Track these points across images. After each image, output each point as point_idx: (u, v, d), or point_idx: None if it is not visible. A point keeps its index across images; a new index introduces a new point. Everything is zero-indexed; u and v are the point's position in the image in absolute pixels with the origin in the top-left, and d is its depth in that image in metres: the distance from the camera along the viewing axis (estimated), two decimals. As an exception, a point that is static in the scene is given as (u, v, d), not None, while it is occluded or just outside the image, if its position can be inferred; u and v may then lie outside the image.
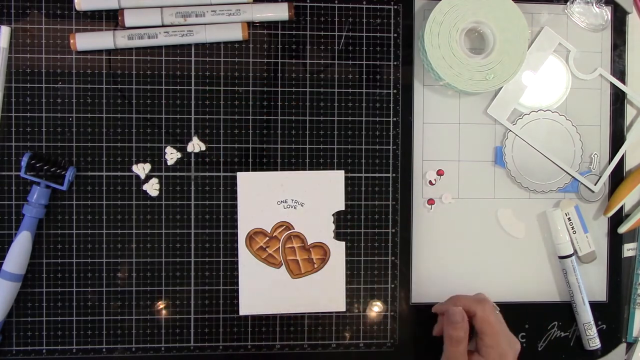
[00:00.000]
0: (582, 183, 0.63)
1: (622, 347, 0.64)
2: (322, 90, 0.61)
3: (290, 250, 0.59)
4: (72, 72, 0.59)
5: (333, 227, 0.61)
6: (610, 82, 0.63)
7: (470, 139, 0.63)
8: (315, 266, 0.59)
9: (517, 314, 0.63)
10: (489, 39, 0.59)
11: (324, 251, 0.59)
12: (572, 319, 0.63)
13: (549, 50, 0.63)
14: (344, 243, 0.61)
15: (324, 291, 0.61)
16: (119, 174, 0.59)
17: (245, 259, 0.60)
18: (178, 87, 0.60)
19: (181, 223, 0.60)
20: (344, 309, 0.61)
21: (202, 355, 0.60)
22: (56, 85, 0.59)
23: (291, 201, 0.60)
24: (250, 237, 0.59)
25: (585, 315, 0.62)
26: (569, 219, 0.62)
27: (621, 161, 0.64)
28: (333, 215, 0.61)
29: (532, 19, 0.63)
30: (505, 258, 0.63)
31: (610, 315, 0.64)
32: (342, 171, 0.61)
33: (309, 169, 0.61)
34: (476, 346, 0.56)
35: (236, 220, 0.60)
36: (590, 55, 0.63)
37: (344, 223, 0.61)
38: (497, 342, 0.54)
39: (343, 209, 0.61)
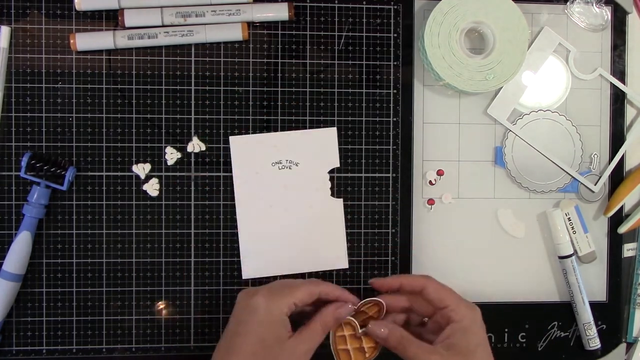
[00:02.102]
0: (582, 183, 0.63)
1: (622, 347, 0.64)
2: (322, 90, 0.61)
3: (340, 339, 0.54)
4: (72, 72, 0.59)
5: (329, 184, 0.61)
6: (610, 82, 0.63)
7: (470, 139, 0.63)
8: (367, 355, 0.54)
9: (517, 314, 0.63)
10: (489, 39, 0.59)
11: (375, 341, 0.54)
12: (572, 319, 0.63)
13: (549, 50, 0.63)
14: (341, 200, 0.61)
15: (326, 249, 0.61)
16: (119, 174, 0.59)
17: (244, 221, 0.60)
18: (178, 87, 0.60)
19: (181, 223, 0.60)
20: (346, 266, 0.61)
21: (202, 355, 0.60)
22: (56, 85, 0.59)
23: (286, 162, 0.60)
24: None
25: (585, 315, 0.62)
26: (569, 219, 0.62)
27: (621, 161, 0.64)
28: (329, 173, 0.61)
29: (532, 19, 0.63)
30: (505, 258, 0.63)
31: (610, 315, 0.64)
32: (335, 128, 0.61)
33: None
34: (434, 324, 0.53)
35: (236, 221, 0.60)
36: (590, 55, 0.63)
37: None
38: (459, 304, 0.52)
39: (338, 165, 0.61)
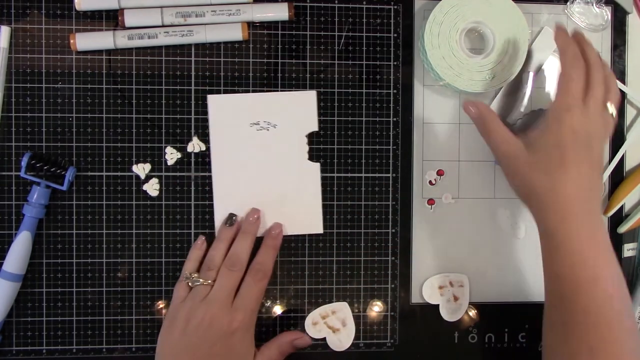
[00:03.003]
0: (582, 183, 0.63)
1: (622, 347, 0.64)
2: (322, 90, 0.61)
3: None
4: (72, 72, 0.59)
5: (307, 148, 0.61)
6: (611, 82, 0.63)
7: (470, 139, 0.63)
8: None
9: (517, 314, 0.63)
10: (489, 39, 0.60)
11: None
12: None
13: (549, 51, 0.63)
14: (318, 165, 0.61)
15: (301, 213, 0.61)
16: (119, 174, 0.59)
17: (219, 181, 0.59)
18: (178, 87, 0.60)
19: (181, 223, 0.60)
20: (321, 231, 0.61)
21: (202, 355, 0.60)
22: (56, 85, 0.59)
23: (264, 123, 0.59)
24: None
25: None
26: (569, 219, 0.62)
27: (621, 161, 0.64)
28: (306, 136, 0.61)
29: (532, 19, 0.63)
30: (505, 258, 0.63)
31: (610, 315, 0.64)
32: (314, 91, 0.60)
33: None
34: None
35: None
36: (590, 55, 0.63)
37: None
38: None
39: (316, 129, 0.61)
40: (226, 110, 0.60)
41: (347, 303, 0.61)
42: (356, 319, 0.61)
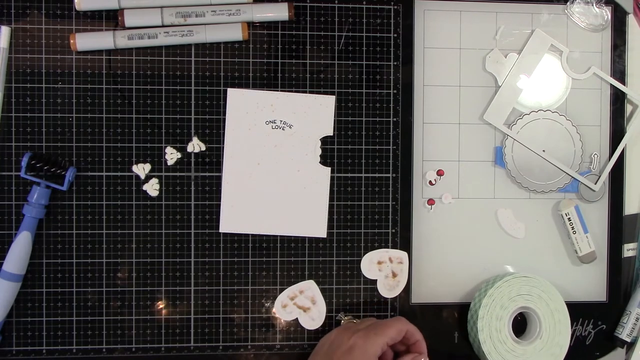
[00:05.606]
0: (582, 183, 0.63)
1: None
2: (322, 90, 0.61)
3: None
4: (72, 72, 0.59)
5: (320, 152, 0.61)
6: (610, 83, 0.63)
7: (470, 139, 0.63)
8: None
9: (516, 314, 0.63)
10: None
11: None
12: (571, 318, 0.63)
13: (541, 53, 0.62)
14: (329, 169, 0.61)
15: (306, 216, 0.61)
16: (119, 174, 0.59)
17: (229, 174, 0.60)
18: (178, 87, 0.60)
19: (181, 223, 0.60)
20: (324, 235, 0.61)
21: (202, 355, 0.60)
22: (56, 85, 0.59)
23: (280, 122, 0.60)
24: None
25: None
26: (569, 219, 0.62)
27: (622, 162, 0.63)
28: (320, 140, 0.61)
29: (532, 18, 0.63)
30: (505, 258, 0.63)
31: (610, 315, 0.64)
32: (333, 96, 0.61)
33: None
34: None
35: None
36: (590, 56, 0.63)
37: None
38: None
39: (331, 134, 0.61)
40: (244, 106, 0.60)
41: (314, 281, 0.61)
42: (357, 318, 0.61)
